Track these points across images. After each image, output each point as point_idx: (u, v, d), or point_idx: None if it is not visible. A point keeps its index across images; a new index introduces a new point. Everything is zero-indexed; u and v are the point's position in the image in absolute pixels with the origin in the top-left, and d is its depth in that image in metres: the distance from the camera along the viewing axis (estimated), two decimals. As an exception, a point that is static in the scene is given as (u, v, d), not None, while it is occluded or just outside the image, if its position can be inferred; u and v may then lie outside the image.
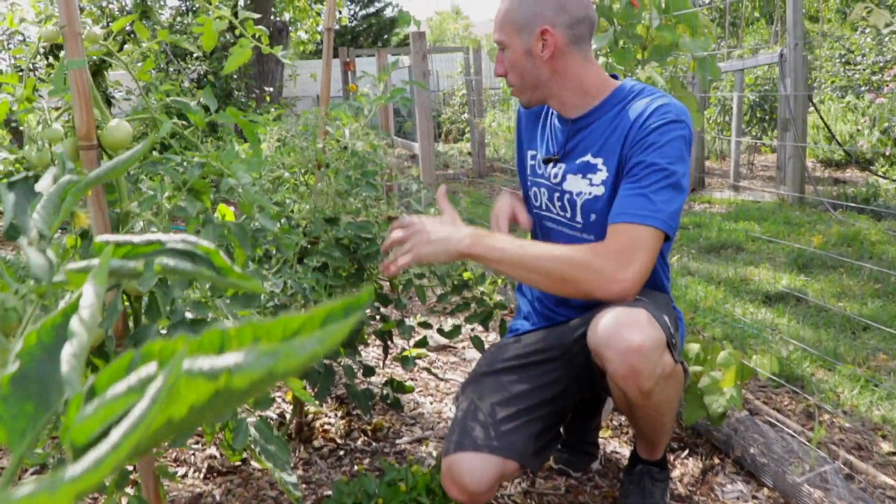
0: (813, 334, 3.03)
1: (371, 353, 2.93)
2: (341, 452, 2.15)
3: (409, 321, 2.03)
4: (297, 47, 12.75)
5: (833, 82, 10.17)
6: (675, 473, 2.02)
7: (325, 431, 2.27)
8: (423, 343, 2.11)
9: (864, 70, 9.66)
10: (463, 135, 12.51)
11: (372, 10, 25.66)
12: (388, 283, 2.00)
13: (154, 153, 1.49)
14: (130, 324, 1.41)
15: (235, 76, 7.76)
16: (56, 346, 0.37)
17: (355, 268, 1.89)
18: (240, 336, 0.30)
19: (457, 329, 1.97)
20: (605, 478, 2.03)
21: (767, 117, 8.98)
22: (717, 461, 2.08)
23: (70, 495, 0.24)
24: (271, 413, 2.37)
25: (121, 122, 1.27)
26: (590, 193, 1.66)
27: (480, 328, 2.29)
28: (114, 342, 1.28)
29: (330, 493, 1.89)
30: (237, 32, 1.46)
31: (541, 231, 1.82)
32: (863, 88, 9.48)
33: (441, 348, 2.99)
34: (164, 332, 1.29)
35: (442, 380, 2.69)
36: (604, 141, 1.65)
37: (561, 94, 1.69)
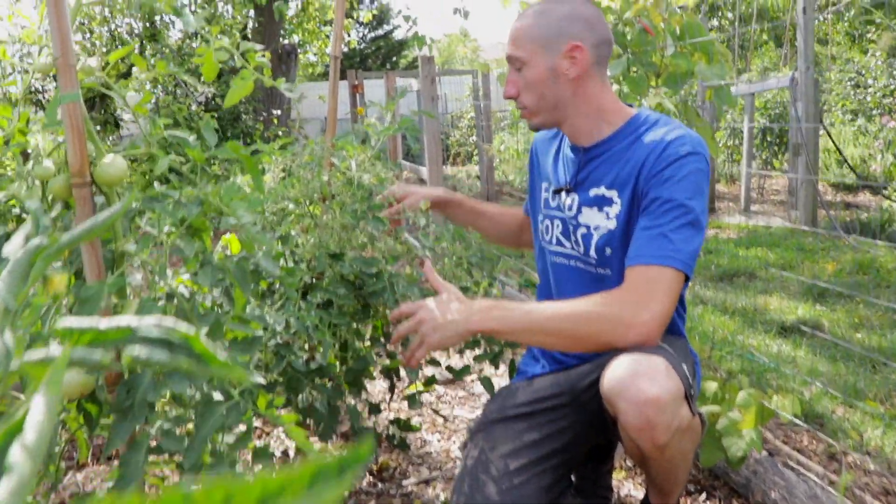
0: (831, 368, 2.94)
1: (378, 384, 2.86)
2: (346, 493, 2.07)
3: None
4: (305, 69, 12.77)
5: (844, 105, 10.11)
6: (694, 519, 1.93)
7: (329, 470, 2.19)
8: (431, 381, 2.04)
9: (875, 93, 9.60)
10: (471, 157, 12.49)
11: (381, 32, 25.78)
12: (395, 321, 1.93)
13: (157, 183, 1.43)
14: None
15: (243, 99, 7.74)
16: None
17: (361, 305, 1.82)
18: (208, 499, 0.23)
19: (466, 369, 1.90)
20: (621, 523, 1.94)
21: (778, 141, 8.91)
22: (736, 506, 1.99)
23: None
24: (275, 450, 2.30)
25: (116, 157, 1.22)
26: (605, 228, 1.60)
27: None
28: (105, 389, 1.21)
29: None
30: (241, 59, 1.40)
31: (552, 270, 1.75)
32: (874, 112, 9.42)
33: (449, 381, 2.91)
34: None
35: (448, 418, 2.61)
36: (617, 172, 1.59)
37: (576, 119, 1.63)
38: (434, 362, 2.06)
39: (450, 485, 2.12)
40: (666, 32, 2.38)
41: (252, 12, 9.47)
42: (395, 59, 25.55)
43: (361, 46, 24.87)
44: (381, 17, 25.09)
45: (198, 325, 1.23)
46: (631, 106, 1.70)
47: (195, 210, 1.23)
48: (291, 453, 2.22)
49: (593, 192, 1.63)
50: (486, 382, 2.02)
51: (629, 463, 2.20)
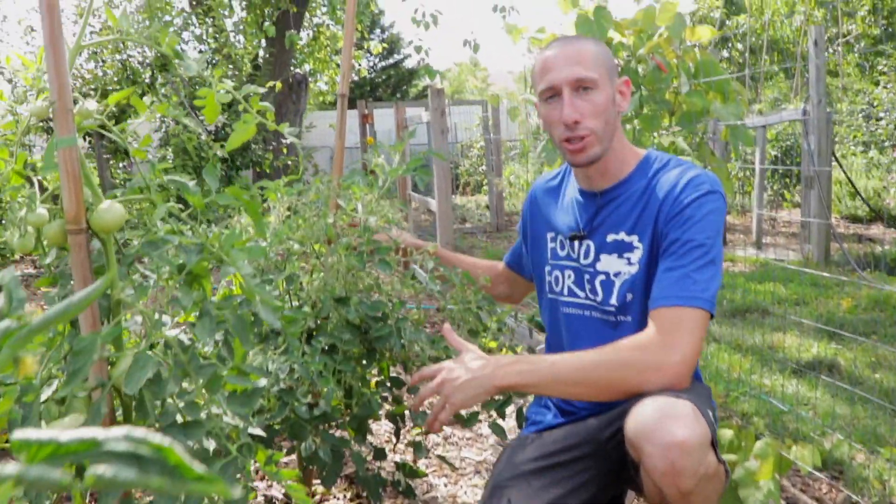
0: (849, 410, 2.87)
1: (383, 426, 2.79)
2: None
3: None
4: (316, 98, 12.82)
5: (855, 137, 10.06)
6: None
7: (333, 517, 2.12)
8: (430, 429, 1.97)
9: (887, 125, 9.55)
10: (481, 187, 12.48)
11: (391, 61, 25.95)
12: (401, 366, 1.88)
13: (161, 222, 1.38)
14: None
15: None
16: None
17: (366, 349, 1.77)
18: None
19: (474, 416, 1.84)
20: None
21: (789, 172, 8.87)
22: (755, 561, 1.91)
23: None
24: (276, 492, 2.24)
25: (113, 203, 1.18)
26: (628, 273, 1.56)
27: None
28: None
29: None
30: (244, 102, 1.37)
31: (564, 322, 1.70)
32: (886, 143, 9.37)
33: (456, 421, 2.84)
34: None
35: (455, 465, 2.54)
36: (636, 217, 1.55)
37: (610, 155, 1.59)
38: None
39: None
40: (680, 70, 2.35)
41: (263, 42, 9.53)
42: (405, 87, 25.69)
43: (372, 76, 25.02)
44: (392, 47, 25.28)
45: (195, 378, 1.18)
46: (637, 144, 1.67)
47: (195, 257, 1.18)
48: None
49: (611, 237, 1.59)
50: (496, 428, 1.95)
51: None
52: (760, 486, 1.88)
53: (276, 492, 2.25)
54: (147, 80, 7.21)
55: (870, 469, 2.35)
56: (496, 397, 1.85)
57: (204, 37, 8.72)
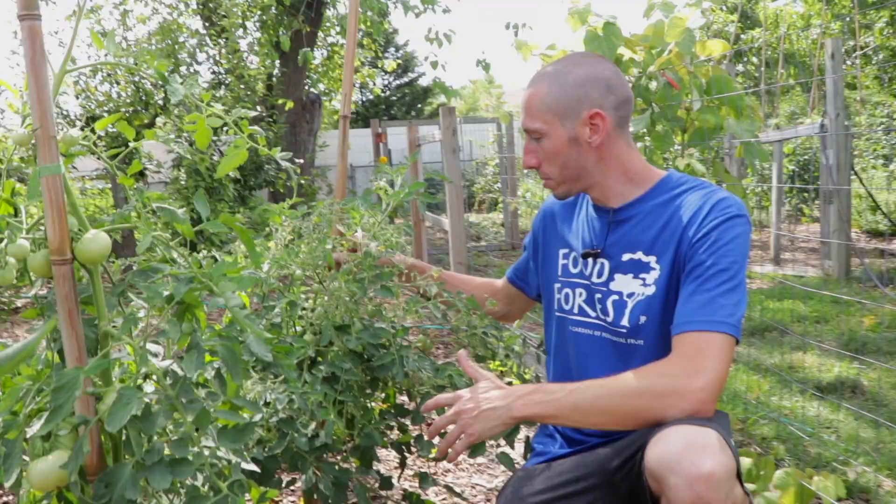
0: (874, 434, 2.77)
1: (392, 452, 2.73)
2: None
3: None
4: (330, 116, 12.85)
5: (875, 150, 9.94)
6: None
7: (338, 549, 2.06)
8: (442, 458, 1.91)
9: (907, 138, 9.43)
10: (496, 205, 12.43)
11: (405, 80, 26.03)
12: (406, 394, 1.82)
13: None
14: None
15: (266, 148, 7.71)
16: None
17: (369, 378, 1.72)
18: None
19: (480, 445, 1.78)
20: None
21: (808, 186, 8.76)
22: None
23: None
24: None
25: (98, 233, 1.13)
26: (642, 294, 1.50)
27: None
28: (79, 486, 1.11)
29: None
30: (234, 128, 1.32)
31: (573, 341, 1.64)
32: (906, 157, 9.24)
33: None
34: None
35: (457, 494, 2.48)
36: (655, 237, 1.50)
37: (604, 183, 1.56)
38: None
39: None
40: (692, 86, 2.29)
41: (277, 62, 9.56)
42: (420, 105, 25.74)
43: (386, 94, 25.10)
44: (406, 65, 25.37)
45: (183, 413, 1.13)
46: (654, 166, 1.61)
47: (184, 288, 1.14)
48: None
49: (627, 256, 1.54)
50: (505, 458, 1.89)
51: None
52: (781, 518, 1.80)
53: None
54: (160, 102, 7.23)
55: (896, 497, 2.26)
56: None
57: (217, 57, 8.76)
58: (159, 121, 6.25)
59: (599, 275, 1.59)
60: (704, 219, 1.45)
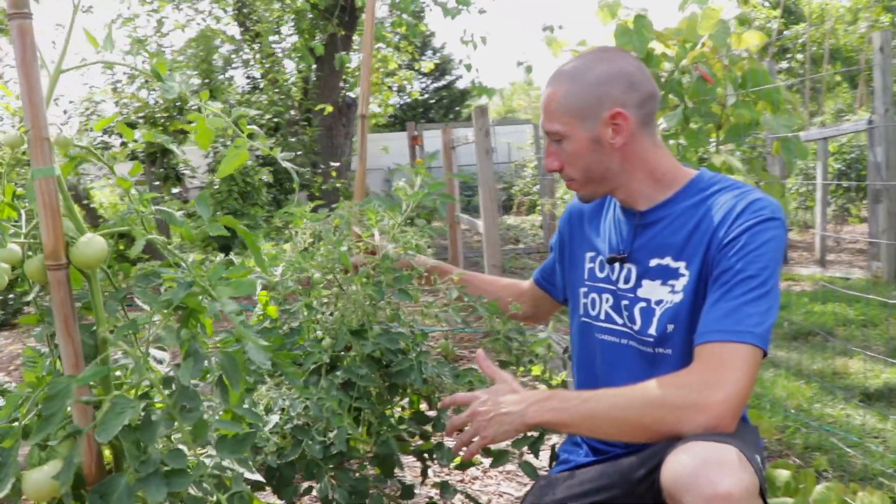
0: (925, 444, 2.64)
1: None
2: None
3: (451, 442, 1.78)
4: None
5: (925, 148, 9.61)
6: None
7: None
8: (468, 465, 1.86)
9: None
10: (535, 207, 12.34)
11: (443, 82, 26.02)
12: (426, 401, 1.77)
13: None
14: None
15: (300, 152, 7.75)
16: None
17: (387, 384, 1.67)
18: None
19: (503, 454, 1.71)
20: None
21: (855, 186, 8.51)
22: None
23: None
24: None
25: (94, 237, 1.10)
26: (671, 302, 1.43)
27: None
28: (71, 497, 1.08)
29: None
30: (234, 128, 1.28)
31: (600, 348, 1.56)
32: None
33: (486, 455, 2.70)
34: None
35: (476, 501, 2.41)
36: (684, 241, 1.42)
37: (630, 185, 1.49)
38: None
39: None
40: (727, 80, 2.20)
41: (314, 66, 9.59)
42: (458, 108, 25.71)
43: (424, 97, 25.11)
44: (444, 68, 25.35)
45: (181, 423, 1.09)
46: (686, 164, 1.53)
47: (182, 293, 1.09)
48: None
49: (654, 262, 1.47)
50: (528, 468, 1.83)
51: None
52: (822, 534, 1.70)
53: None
54: (195, 108, 7.25)
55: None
56: (528, 433, 1.73)
57: (251, 62, 8.81)
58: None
59: (626, 280, 1.52)
60: (735, 221, 1.37)
